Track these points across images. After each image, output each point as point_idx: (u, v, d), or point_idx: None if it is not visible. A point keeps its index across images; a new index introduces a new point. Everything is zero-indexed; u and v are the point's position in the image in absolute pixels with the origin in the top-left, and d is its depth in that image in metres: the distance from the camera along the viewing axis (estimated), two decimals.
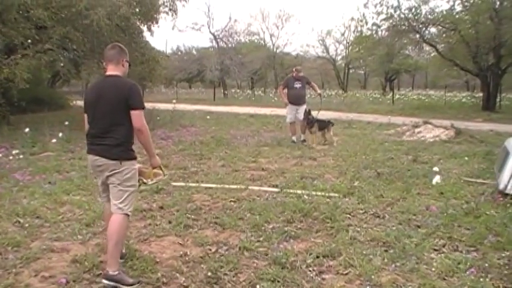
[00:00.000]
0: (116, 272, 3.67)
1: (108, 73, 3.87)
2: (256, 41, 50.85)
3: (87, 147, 3.91)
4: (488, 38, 21.83)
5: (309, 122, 11.06)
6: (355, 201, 6.02)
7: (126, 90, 3.72)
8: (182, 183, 6.95)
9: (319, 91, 12.16)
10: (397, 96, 35.00)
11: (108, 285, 3.65)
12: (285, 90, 11.63)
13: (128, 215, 3.84)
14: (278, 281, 3.70)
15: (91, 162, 3.88)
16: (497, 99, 24.33)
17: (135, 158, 3.88)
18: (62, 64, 14.76)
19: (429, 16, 23.57)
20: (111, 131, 3.73)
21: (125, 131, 3.75)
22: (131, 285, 3.67)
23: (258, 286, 3.64)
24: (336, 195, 6.28)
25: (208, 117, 18.31)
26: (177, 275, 3.86)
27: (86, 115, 3.95)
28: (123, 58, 3.91)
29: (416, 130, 13.24)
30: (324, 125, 11.27)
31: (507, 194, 6.00)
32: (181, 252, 4.28)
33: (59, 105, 21.33)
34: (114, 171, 3.75)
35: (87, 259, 4.06)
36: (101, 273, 3.82)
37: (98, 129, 3.78)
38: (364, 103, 29.72)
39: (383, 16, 24.35)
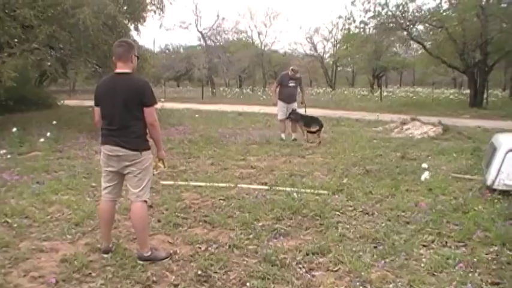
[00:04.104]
0: (149, 253, 4.08)
1: (118, 70, 4.04)
2: (244, 39, 50.65)
3: (104, 138, 4.08)
4: (475, 35, 22.05)
5: (293, 119, 11.19)
6: (344, 199, 6.05)
7: (139, 89, 3.99)
8: (171, 182, 6.94)
9: (304, 99, 12.05)
10: (385, 93, 35.09)
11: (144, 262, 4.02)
12: (278, 88, 11.59)
13: (146, 202, 4.15)
14: (268, 279, 3.71)
15: (108, 152, 4.03)
16: (485, 96, 24.50)
17: (150, 148, 4.17)
18: (49, 63, 14.63)
19: (416, 14, 23.72)
20: (131, 125, 3.99)
21: (143, 124, 4.04)
22: (164, 258, 4.09)
23: (248, 284, 3.64)
24: (325, 192, 6.31)
25: (196, 115, 18.22)
26: (167, 273, 3.85)
27: (97, 108, 4.15)
28: (131, 54, 4.07)
29: (405, 127, 13.32)
30: (311, 121, 11.28)
31: (495, 190, 6.06)
32: (171, 251, 4.27)
33: (46, 104, 21.06)
34: (134, 161, 4.01)
35: (77, 259, 4.04)
36: (90, 273, 3.82)
37: (117, 125, 4.01)
38: (352, 100, 29.72)
39: (370, 14, 24.53)
